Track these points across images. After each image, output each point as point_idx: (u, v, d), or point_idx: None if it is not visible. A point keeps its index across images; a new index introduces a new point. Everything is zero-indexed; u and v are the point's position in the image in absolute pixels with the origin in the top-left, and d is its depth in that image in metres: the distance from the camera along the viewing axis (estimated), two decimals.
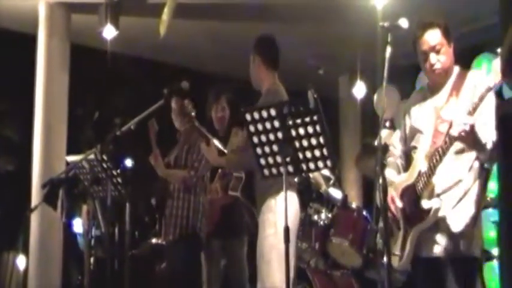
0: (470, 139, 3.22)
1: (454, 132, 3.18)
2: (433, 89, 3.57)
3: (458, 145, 3.33)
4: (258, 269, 4.12)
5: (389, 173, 3.56)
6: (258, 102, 4.27)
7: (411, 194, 3.44)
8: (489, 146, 3.24)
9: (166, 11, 2.08)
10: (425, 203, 3.36)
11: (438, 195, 3.35)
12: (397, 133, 3.81)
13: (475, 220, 3.36)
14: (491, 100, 3.18)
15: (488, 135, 3.22)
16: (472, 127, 3.16)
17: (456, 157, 3.38)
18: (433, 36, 3.44)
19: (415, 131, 3.58)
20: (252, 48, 4.43)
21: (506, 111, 1.38)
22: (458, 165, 3.39)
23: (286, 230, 3.49)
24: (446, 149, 3.31)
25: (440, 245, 3.36)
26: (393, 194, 3.50)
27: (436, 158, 3.33)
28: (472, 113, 3.15)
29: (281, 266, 3.65)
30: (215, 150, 4.49)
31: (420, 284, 3.53)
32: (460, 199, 3.37)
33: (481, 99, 3.14)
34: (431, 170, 3.34)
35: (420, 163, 3.43)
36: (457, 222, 3.34)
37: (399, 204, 3.48)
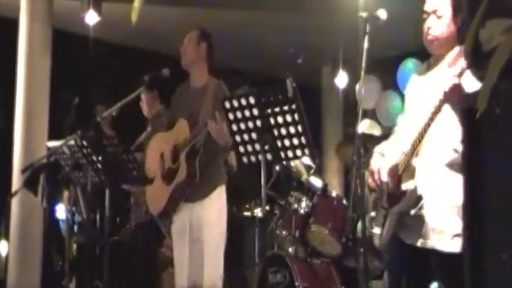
0: (458, 95, 2.94)
1: (445, 88, 2.95)
2: (431, 63, 3.31)
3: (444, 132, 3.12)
4: (205, 255, 4.21)
5: (388, 146, 3.42)
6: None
7: (395, 174, 3.24)
8: None
9: None
10: (403, 185, 3.19)
11: (418, 178, 3.14)
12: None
13: (458, 210, 2.99)
14: None
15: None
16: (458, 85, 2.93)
17: (442, 140, 3.14)
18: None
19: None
20: (201, 34, 4.46)
21: (471, 105, 1.39)
22: (443, 147, 3.14)
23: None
24: (427, 126, 3.09)
25: (422, 237, 3.15)
26: (382, 166, 3.30)
27: (418, 138, 3.14)
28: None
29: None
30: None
31: (402, 268, 3.30)
32: (442, 185, 3.12)
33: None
34: (412, 150, 3.17)
35: (404, 143, 3.25)
36: (435, 212, 3.13)
37: (384, 178, 3.27)
